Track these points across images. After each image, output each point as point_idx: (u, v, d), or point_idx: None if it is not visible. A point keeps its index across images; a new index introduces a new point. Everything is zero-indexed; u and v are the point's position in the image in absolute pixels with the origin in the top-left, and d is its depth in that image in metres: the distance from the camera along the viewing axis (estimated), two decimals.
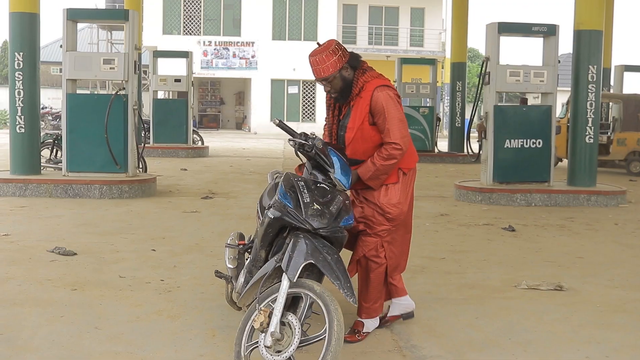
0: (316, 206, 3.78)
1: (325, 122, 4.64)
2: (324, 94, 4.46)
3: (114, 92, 11.10)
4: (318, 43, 4.24)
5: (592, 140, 11.58)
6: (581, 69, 11.53)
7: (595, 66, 11.47)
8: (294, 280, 3.63)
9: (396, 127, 4.24)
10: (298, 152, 4.12)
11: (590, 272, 6.56)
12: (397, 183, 4.45)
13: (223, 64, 37.54)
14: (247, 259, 4.50)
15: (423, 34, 41.07)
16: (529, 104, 20.06)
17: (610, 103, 18.89)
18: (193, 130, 20.60)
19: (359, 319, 4.54)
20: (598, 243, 8.13)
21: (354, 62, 4.25)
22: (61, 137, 11.60)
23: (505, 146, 11.41)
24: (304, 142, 4.02)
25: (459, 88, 20.91)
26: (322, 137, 4.38)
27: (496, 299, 5.57)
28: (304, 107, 38.21)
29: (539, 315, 5.13)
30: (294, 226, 3.79)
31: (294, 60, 36.91)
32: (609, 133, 17.96)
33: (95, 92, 29.10)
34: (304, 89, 37.97)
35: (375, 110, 4.22)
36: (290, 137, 4.09)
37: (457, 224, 9.22)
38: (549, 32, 11.62)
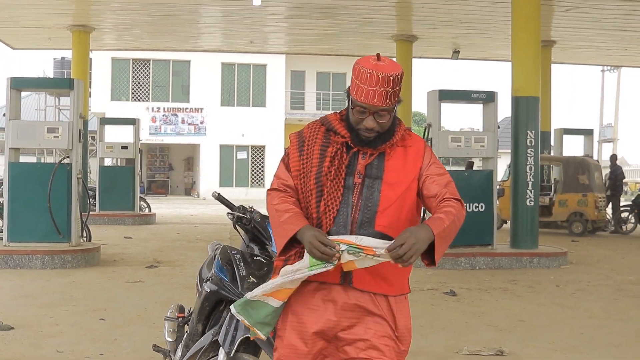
0: (252, 279, 3.79)
1: (285, 179, 3.03)
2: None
3: (58, 161, 11.01)
4: (378, 55, 2.88)
5: (532, 203, 11.87)
6: (520, 133, 11.89)
7: (533, 131, 11.84)
8: (231, 355, 3.61)
9: (454, 188, 2.99)
10: (236, 225, 4.14)
11: (531, 336, 6.65)
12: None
13: (172, 129, 37.58)
14: (187, 332, 4.46)
15: None
16: (474, 167, 20.46)
17: (551, 165, 19.40)
18: (140, 197, 20.43)
19: None
20: (540, 305, 8.26)
21: (399, 102, 2.96)
22: (3, 206, 11.41)
23: None
24: (242, 215, 4.05)
25: None
26: (286, 197, 3.00)
27: None
28: (252, 173, 38.28)
29: None
30: (231, 299, 3.79)
31: (242, 126, 37.17)
32: (550, 195, 18.39)
33: (41, 159, 28.76)
34: (253, 154, 38.13)
35: (430, 167, 2.97)
36: (228, 210, 4.11)
37: None
38: (488, 98, 11.96)
